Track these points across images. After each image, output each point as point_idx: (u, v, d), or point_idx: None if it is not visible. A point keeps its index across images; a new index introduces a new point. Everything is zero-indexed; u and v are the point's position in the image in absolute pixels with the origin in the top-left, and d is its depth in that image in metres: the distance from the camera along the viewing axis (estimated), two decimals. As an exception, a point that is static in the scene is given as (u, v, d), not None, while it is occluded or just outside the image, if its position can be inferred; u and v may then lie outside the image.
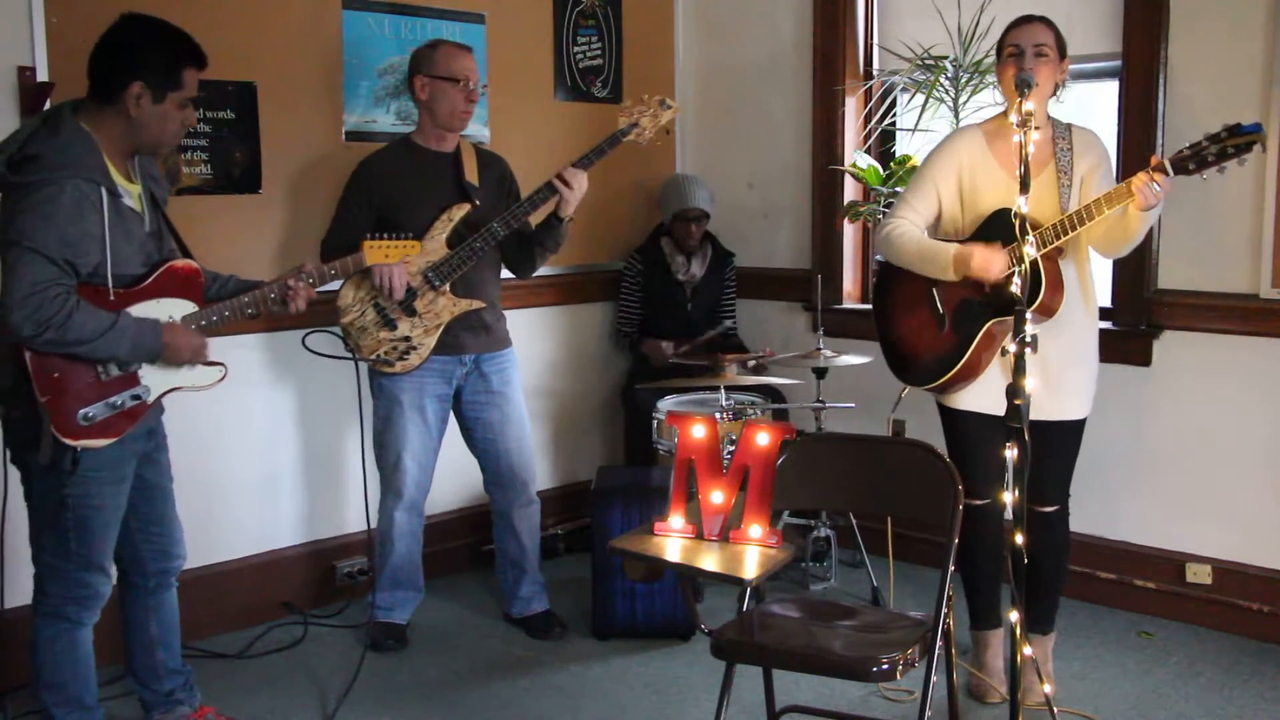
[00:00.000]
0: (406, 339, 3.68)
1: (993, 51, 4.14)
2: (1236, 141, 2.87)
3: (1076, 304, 3.24)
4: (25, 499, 2.85)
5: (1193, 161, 2.93)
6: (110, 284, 2.71)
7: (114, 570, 2.98)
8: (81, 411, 2.71)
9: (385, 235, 3.28)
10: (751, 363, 4.38)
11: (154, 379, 2.85)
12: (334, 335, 3.67)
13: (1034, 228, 3.01)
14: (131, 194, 2.82)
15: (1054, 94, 3.26)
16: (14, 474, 2.88)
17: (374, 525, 3.84)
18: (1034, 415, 2.99)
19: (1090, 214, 3.01)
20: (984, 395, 3.26)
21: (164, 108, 2.75)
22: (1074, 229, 3.03)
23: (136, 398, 2.81)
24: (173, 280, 2.87)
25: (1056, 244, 3.06)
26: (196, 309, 2.91)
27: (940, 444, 2.85)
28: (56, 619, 2.86)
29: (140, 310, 2.79)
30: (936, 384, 3.31)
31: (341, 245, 3.72)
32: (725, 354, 4.23)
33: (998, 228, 3.16)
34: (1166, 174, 2.94)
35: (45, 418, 2.68)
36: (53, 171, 2.61)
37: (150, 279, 2.83)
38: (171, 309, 2.86)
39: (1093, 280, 3.31)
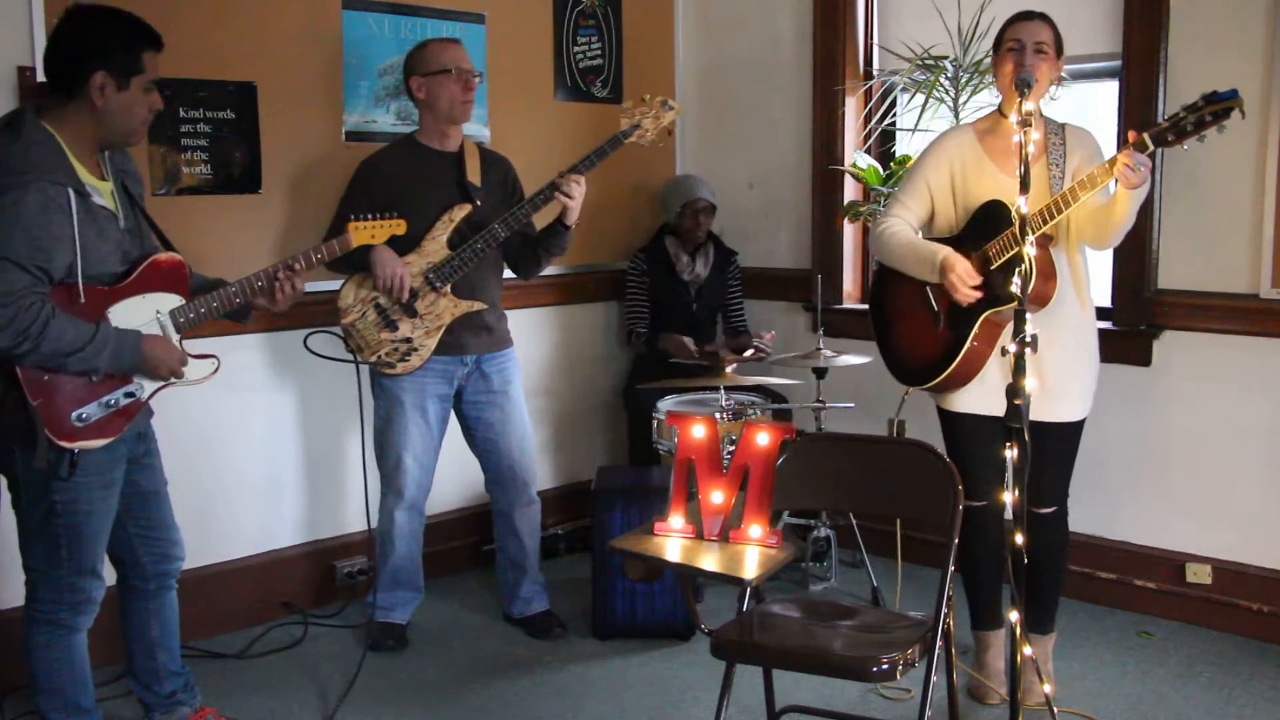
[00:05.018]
0: (408, 340, 3.68)
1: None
2: (1214, 109, 2.84)
3: (1071, 301, 3.23)
4: (13, 506, 2.79)
5: (1172, 133, 2.89)
6: (80, 284, 2.64)
7: (106, 574, 2.93)
8: (75, 413, 2.67)
9: (369, 215, 3.20)
10: (749, 351, 4.38)
11: None
12: (335, 336, 3.68)
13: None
14: (103, 192, 2.75)
15: (1049, 93, 3.25)
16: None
17: (374, 525, 3.84)
18: (1030, 416, 2.99)
19: (1076, 194, 3.00)
20: (982, 396, 3.25)
21: (129, 94, 2.69)
22: (1060, 211, 3.02)
23: (130, 395, 2.77)
24: (157, 274, 2.82)
25: (1044, 229, 3.05)
26: (182, 302, 2.86)
27: (940, 445, 2.85)
28: (50, 625, 2.83)
29: (126, 306, 2.74)
30: (935, 381, 3.28)
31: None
32: (732, 352, 4.23)
33: (988, 218, 3.17)
34: (1147, 149, 2.91)
35: (39, 421, 2.63)
36: (16, 176, 2.54)
37: (134, 274, 2.77)
38: (157, 303, 2.81)
39: (1088, 277, 3.29)
